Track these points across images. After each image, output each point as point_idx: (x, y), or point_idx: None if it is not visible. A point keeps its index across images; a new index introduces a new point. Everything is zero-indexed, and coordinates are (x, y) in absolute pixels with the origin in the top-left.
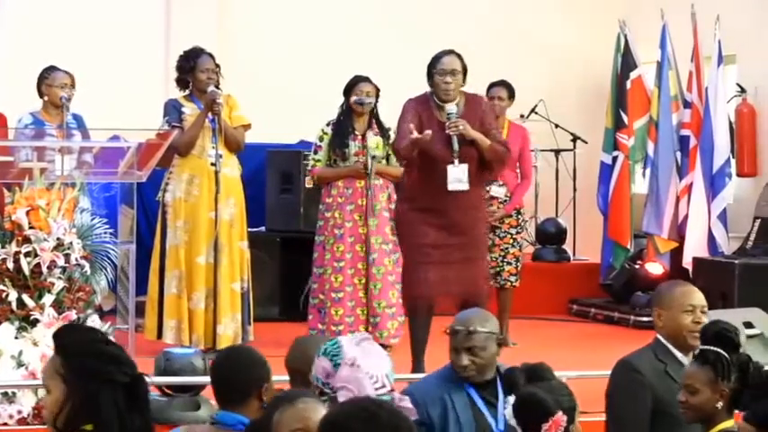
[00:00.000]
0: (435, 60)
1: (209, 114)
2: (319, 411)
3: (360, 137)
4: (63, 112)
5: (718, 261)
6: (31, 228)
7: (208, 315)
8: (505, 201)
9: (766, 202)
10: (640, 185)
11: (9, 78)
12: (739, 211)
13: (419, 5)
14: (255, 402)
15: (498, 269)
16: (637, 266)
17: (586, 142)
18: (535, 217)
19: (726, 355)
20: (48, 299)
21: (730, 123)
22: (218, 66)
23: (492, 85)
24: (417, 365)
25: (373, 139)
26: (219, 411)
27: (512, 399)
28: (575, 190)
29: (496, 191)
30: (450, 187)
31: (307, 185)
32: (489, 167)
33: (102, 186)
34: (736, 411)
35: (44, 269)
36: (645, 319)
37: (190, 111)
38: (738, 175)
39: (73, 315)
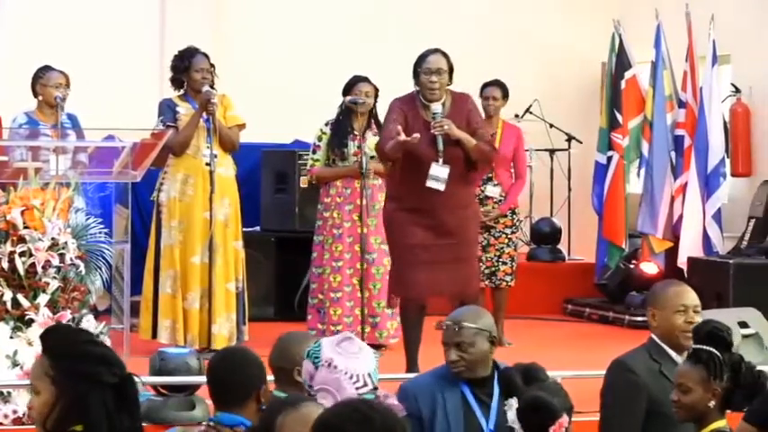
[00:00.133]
0: (421, 59)
1: (204, 114)
2: None
3: (359, 137)
4: (58, 112)
5: (712, 261)
6: (25, 227)
7: (203, 315)
8: (500, 200)
9: (761, 201)
10: (635, 185)
11: (8, 78)
12: (734, 210)
13: (415, 5)
14: (254, 404)
15: (493, 269)
16: (632, 266)
17: (581, 142)
18: (530, 217)
19: (718, 354)
20: (42, 299)
21: (725, 123)
22: (212, 65)
23: (486, 85)
24: (411, 365)
25: (372, 139)
26: (217, 413)
27: (514, 401)
28: (569, 190)
29: (491, 191)
30: (428, 184)
31: (302, 185)
32: (475, 167)
33: (96, 186)
34: (728, 411)
35: (39, 269)
36: (639, 318)
37: (184, 110)
38: (733, 174)
39: (68, 315)
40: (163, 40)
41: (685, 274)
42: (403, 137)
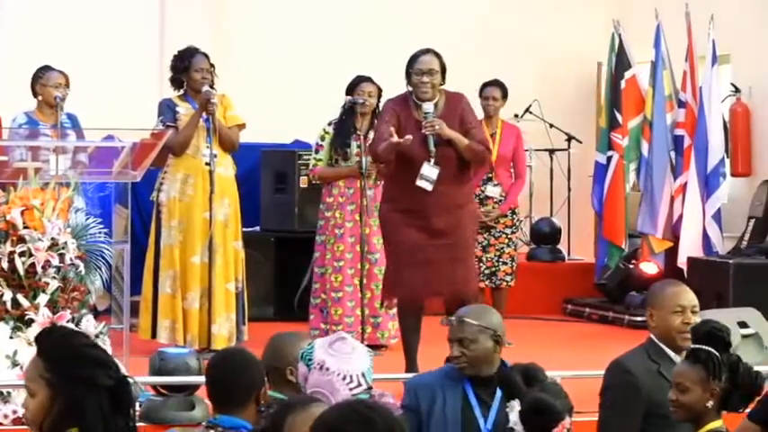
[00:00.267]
0: (413, 60)
1: (204, 114)
2: None
3: (362, 137)
4: (57, 112)
5: (712, 261)
6: (25, 227)
7: (202, 315)
8: (500, 200)
9: (760, 201)
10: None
11: (8, 78)
12: (734, 210)
13: (414, 5)
14: (253, 406)
15: (494, 269)
16: (631, 266)
17: (581, 142)
18: (530, 216)
19: (717, 354)
20: (42, 299)
21: (724, 123)
22: (212, 65)
23: (485, 85)
24: (410, 365)
25: None
26: (217, 415)
27: (516, 403)
28: (569, 190)
29: (492, 191)
30: (417, 183)
31: (301, 185)
32: (468, 167)
33: (96, 186)
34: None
35: (39, 269)
36: (639, 318)
37: (184, 110)
38: (733, 174)
39: (67, 315)
40: (163, 40)
41: (685, 275)
42: (395, 138)
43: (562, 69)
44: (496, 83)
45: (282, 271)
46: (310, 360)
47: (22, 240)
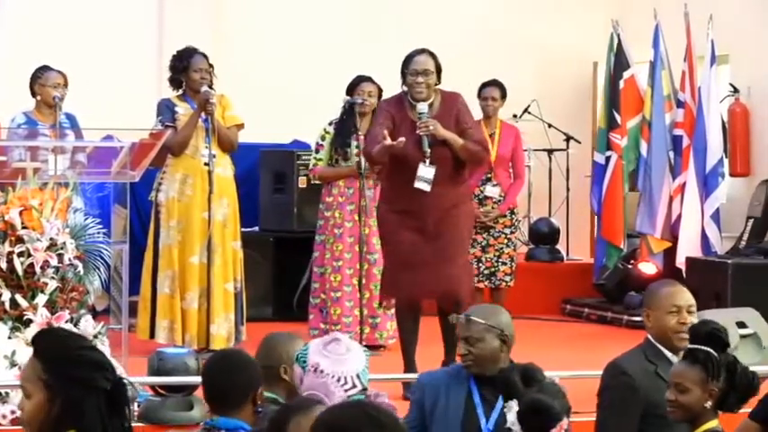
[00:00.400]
0: (408, 60)
1: (203, 114)
2: None
3: (362, 137)
4: (56, 112)
5: (711, 261)
6: (23, 228)
7: (201, 315)
8: (499, 201)
9: (759, 201)
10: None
11: (8, 78)
12: (732, 210)
13: (413, 5)
14: (250, 407)
15: (493, 269)
16: (630, 266)
17: (579, 142)
18: (528, 217)
19: (716, 354)
20: (41, 299)
21: (723, 123)
22: (211, 65)
23: (484, 86)
24: (408, 366)
25: None
26: (214, 416)
27: (514, 404)
28: (568, 190)
29: (491, 191)
30: (416, 185)
31: (300, 185)
32: (464, 167)
33: (95, 186)
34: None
35: (37, 269)
36: (638, 318)
37: (183, 110)
38: (731, 174)
39: (66, 315)
40: (161, 40)
41: (684, 275)
42: (388, 141)
43: (561, 69)
44: (495, 83)
45: (281, 271)
46: (305, 362)
47: (20, 240)
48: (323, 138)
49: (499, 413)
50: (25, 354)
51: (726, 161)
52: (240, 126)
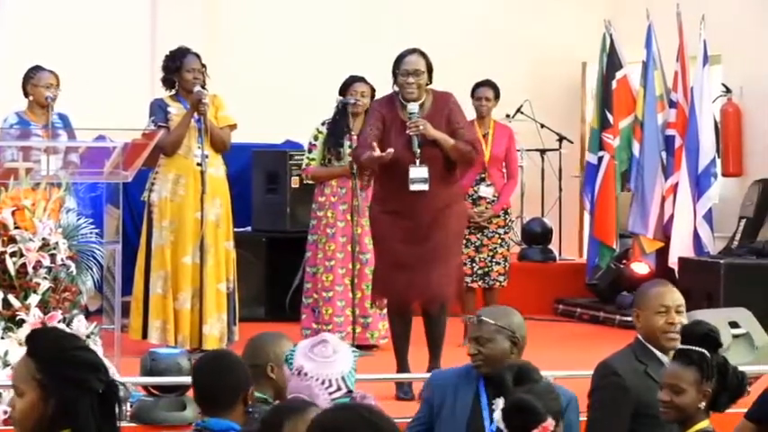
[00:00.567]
0: (399, 60)
1: (195, 114)
2: None
3: (355, 137)
4: (48, 112)
5: (703, 261)
6: (16, 228)
7: (194, 315)
8: (493, 201)
9: (751, 201)
10: None
11: (8, 78)
12: (725, 210)
13: (407, 5)
14: (241, 407)
15: (487, 269)
16: (622, 266)
17: (572, 142)
18: (521, 217)
19: (709, 355)
20: (33, 299)
21: (715, 123)
22: (204, 66)
23: (478, 86)
24: (401, 366)
25: None
26: (206, 418)
27: (500, 401)
28: (560, 190)
29: (484, 191)
30: (412, 188)
31: (293, 185)
32: (455, 167)
33: (87, 186)
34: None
35: (30, 269)
36: (630, 318)
37: (176, 110)
38: (724, 174)
39: (59, 315)
40: (154, 41)
41: (676, 275)
42: (377, 153)
43: (553, 69)
44: (489, 83)
45: (274, 271)
46: (291, 364)
47: (13, 241)
48: (316, 138)
49: None
50: (18, 354)
51: (718, 161)
52: (233, 126)
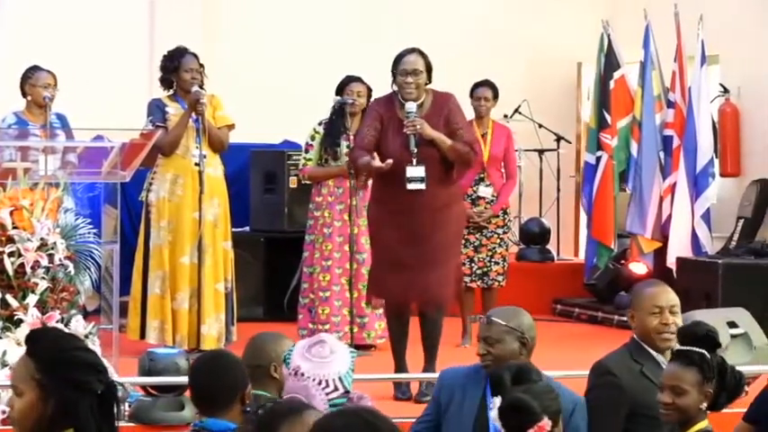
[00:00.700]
0: (398, 60)
1: (193, 114)
2: None
3: (351, 136)
4: (46, 112)
5: (701, 261)
6: (14, 228)
7: (192, 315)
8: (492, 201)
9: (749, 201)
10: None
11: (8, 78)
12: (723, 210)
13: (405, 5)
14: (238, 406)
15: (485, 269)
16: (620, 266)
17: (570, 142)
18: (519, 217)
19: (709, 356)
20: (31, 299)
21: (713, 123)
22: (202, 66)
23: (477, 86)
24: (399, 365)
25: None
26: (204, 418)
27: (497, 400)
28: (558, 190)
29: (484, 191)
30: (409, 187)
31: (291, 185)
32: (452, 167)
33: (85, 186)
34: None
35: (28, 269)
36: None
37: (174, 110)
38: (722, 175)
39: (57, 315)
40: (152, 41)
41: (674, 275)
42: (376, 163)
43: (550, 70)
44: (488, 83)
45: (272, 271)
46: (289, 364)
47: (11, 241)
48: (312, 138)
49: None
50: (16, 354)
51: (716, 161)
52: (231, 126)
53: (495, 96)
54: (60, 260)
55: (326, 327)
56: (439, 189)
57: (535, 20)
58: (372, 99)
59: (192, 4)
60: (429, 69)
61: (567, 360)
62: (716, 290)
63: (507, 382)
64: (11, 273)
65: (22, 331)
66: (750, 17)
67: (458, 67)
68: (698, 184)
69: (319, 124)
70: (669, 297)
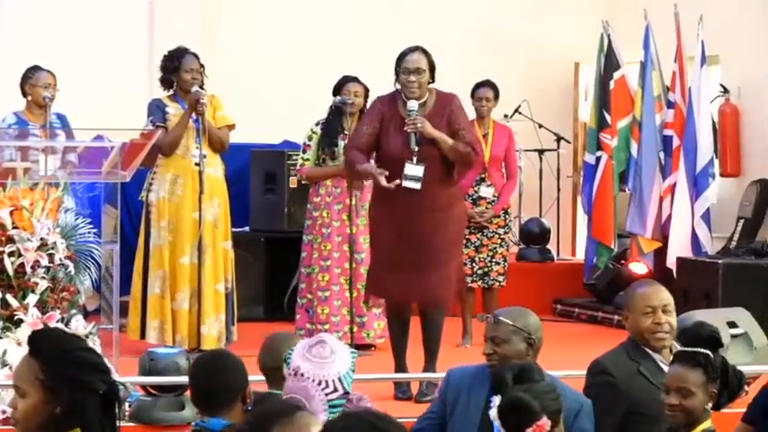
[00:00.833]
0: (401, 58)
1: (194, 114)
2: (316, 425)
3: (349, 136)
4: (46, 112)
5: (701, 261)
6: (14, 227)
7: (192, 315)
8: (493, 201)
9: (749, 202)
10: None
11: (7, 78)
12: (723, 211)
13: (405, 5)
14: (239, 405)
15: (486, 269)
16: (620, 266)
17: (569, 142)
18: (519, 217)
19: (713, 356)
20: (32, 299)
21: (713, 123)
22: (202, 66)
23: (478, 86)
24: (399, 365)
25: None
26: (205, 418)
27: (498, 399)
28: (558, 190)
29: (485, 191)
30: (404, 184)
31: (291, 185)
32: (453, 167)
33: (85, 186)
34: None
35: (28, 269)
36: None
37: (174, 111)
38: (722, 175)
39: (57, 315)
40: (152, 41)
41: (674, 275)
42: (383, 181)
43: (550, 70)
44: (489, 83)
45: (272, 271)
46: (289, 364)
47: (11, 240)
48: (310, 138)
49: None
50: (16, 354)
51: (716, 161)
52: (231, 126)
53: (497, 97)
54: (60, 260)
55: (326, 326)
56: (440, 189)
57: (535, 20)
58: (375, 97)
59: (192, 4)
60: (432, 68)
61: (567, 360)
62: (716, 290)
63: (509, 381)
64: (11, 273)
65: (23, 331)
66: (750, 17)
67: (458, 67)
68: (698, 185)
69: (317, 124)
70: (661, 296)
